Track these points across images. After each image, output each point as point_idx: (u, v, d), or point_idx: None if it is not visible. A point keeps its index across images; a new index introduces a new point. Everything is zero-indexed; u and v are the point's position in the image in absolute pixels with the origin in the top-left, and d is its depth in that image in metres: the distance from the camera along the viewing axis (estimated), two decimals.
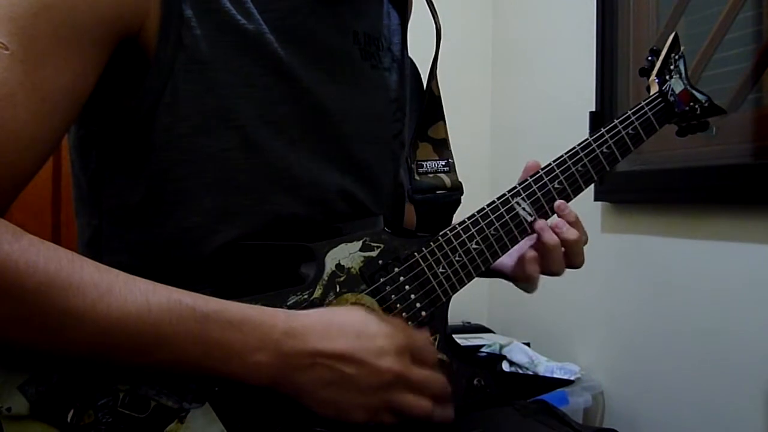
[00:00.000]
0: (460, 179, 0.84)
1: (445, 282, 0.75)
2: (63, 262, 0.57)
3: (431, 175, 0.83)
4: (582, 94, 1.75)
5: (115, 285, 0.58)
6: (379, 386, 0.65)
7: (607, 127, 0.85)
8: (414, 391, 0.67)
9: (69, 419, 0.59)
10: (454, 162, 0.84)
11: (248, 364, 0.61)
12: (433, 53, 0.85)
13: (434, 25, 0.85)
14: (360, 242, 0.72)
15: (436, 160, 0.84)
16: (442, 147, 0.84)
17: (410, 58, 0.90)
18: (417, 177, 0.82)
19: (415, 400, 0.67)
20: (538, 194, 0.81)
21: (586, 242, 0.84)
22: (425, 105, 0.84)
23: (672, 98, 0.88)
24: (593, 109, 1.71)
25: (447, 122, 0.86)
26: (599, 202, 1.72)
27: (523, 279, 0.84)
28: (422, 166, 0.83)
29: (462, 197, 0.84)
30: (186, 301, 0.60)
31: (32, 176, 0.61)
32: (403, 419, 0.67)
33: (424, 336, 0.72)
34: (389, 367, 0.65)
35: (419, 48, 0.92)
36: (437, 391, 0.69)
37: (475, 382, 0.75)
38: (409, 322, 0.73)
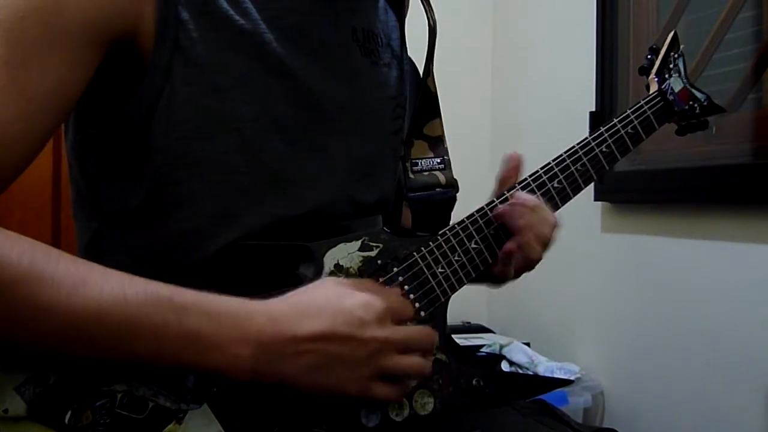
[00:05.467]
0: (455, 176, 0.84)
1: (444, 282, 0.75)
2: (38, 255, 0.57)
3: (426, 173, 0.82)
4: (582, 94, 1.75)
5: (91, 277, 0.58)
6: (368, 357, 0.64)
7: (606, 126, 0.84)
8: (403, 352, 0.66)
9: (67, 420, 0.59)
10: (449, 159, 0.84)
11: (228, 357, 0.60)
12: (427, 50, 0.85)
13: (429, 22, 0.85)
14: (359, 242, 0.72)
15: (430, 158, 0.83)
16: (437, 144, 0.84)
17: (409, 57, 0.89)
18: (411, 175, 0.82)
19: (406, 359, 0.66)
20: (537, 194, 0.81)
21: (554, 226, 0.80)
22: (421, 102, 0.84)
23: (671, 97, 0.88)
24: (593, 109, 1.71)
25: (447, 122, 0.86)
26: (599, 202, 1.71)
27: (503, 271, 0.82)
28: (417, 164, 0.82)
29: (458, 195, 0.84)
30: (163, 292, 0.60)
31: (16, 176, 0.62)
32: (395, 387, 0.67)
33: (397, 293, 0.71)
34: (373, 336, 0.64)
35: (421, 47, 0.91)
36: (426, 343, 0.69)
37: (474, 382, 0.75)
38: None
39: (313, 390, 0.64)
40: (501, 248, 0.79)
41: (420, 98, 0.84)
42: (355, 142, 0.77)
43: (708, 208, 1.42)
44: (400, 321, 0.68)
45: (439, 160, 0.83)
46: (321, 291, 0.66)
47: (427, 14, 0.85)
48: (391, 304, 0.67)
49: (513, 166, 0.84)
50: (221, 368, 0.61)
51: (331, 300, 0.65)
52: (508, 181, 0.83)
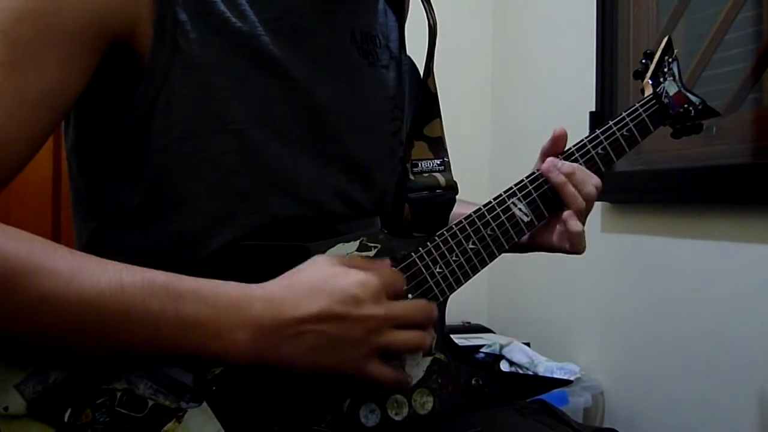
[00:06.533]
0: (455, 178, 0.84)
1: (442, 282, 0.76)
2: (36, 247, 0.58)
3: (426, 175, 0.83)
4: (582, 94, 1.75)
5: (88, 266, 0.59)
6: (367, 334, 0.64)
7: (602, 128, 0.85)
8: (401, 327, 0.67)
9: (66, 418, 0.59)
10: (449, 161, 0.84)
11: (228, 343, 0.61)
12: (427, 50, 0.85)
13: (429, 22, 0.85)
14: (357, 242, 0.72)
15: (431, 159, 0.83)
16: (437, 145, 0.84)
17: (409, 57, 0.90)
18: (411, 176, 0.82)
19: (404, 334, 0.67)
20: (534, 195, 0.81)
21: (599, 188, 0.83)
22: (421, 102, 0.84)
23: (666, 100, 0.88)
24: (593, 109, 1.71)
25: (447, 122, 0.86)
26: (599, 202, 1.71)
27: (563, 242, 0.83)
28: (417, 165, 0.83)
29: (457, 196, 0.84)
30: (159, 279, 0.61)
31: (12, 176, 0.62)
32: (392, 368, 0.67)
33: (390, 269, 0.71)
34: (371, 313, 0.64)
35: (421, 47, 0.92)
36: (423, 316, 0.69)
37: (473, 381, 0.75)
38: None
39: (313, 370, 0.64)
40: (499, 249, 0.79)
41: (420, 99, 0.84)
42: (353, 142, 0.77)
43: (708, 208, 1.42)
44: (395, 297, 0.68)
45: (438, 162, 0.84)
46: (315, 271, 0.66)
47: (427, 14, 0.86)
48: (386, 280, 0.67)
49: (557, 138, 0.85)
50: (220, 354, 0.61)
51: (327, 280, 0.65)
52: (552, 154, 0.84)
